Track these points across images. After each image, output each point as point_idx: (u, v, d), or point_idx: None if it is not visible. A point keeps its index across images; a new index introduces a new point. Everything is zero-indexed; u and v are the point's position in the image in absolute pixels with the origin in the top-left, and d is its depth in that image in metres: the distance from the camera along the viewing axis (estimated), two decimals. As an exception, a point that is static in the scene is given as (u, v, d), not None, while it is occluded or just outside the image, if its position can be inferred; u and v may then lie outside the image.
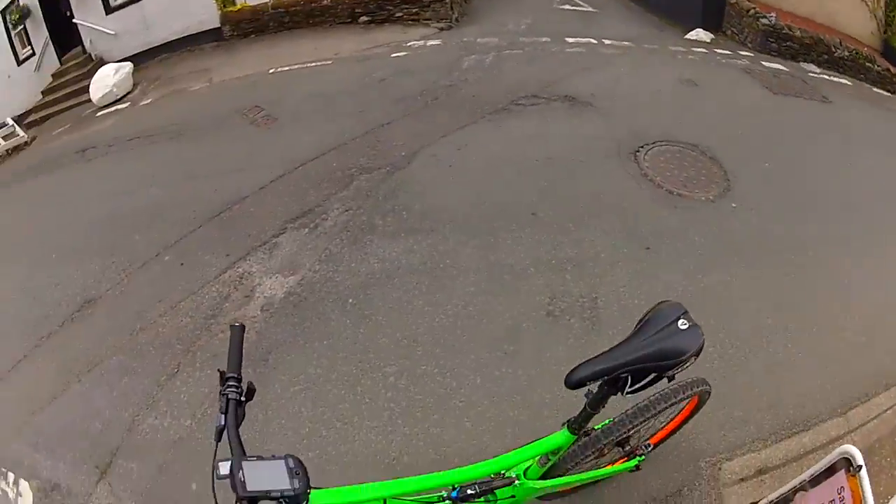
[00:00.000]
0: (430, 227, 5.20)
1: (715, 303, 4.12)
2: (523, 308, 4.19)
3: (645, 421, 2.33)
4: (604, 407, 1.98)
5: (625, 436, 2.40)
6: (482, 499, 2.07)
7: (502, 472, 2.13)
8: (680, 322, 1.77)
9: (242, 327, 2.03)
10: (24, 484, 4.71)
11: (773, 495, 2.59)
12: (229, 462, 1.54)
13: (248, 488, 1.47)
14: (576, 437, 2.10)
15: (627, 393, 1.86)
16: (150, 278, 5.98)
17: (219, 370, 1.89)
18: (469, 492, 1.98)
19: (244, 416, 1.79)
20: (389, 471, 3.26)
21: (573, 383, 1.84)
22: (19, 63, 16.12)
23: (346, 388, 4.01)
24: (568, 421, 2.10)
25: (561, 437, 2.10)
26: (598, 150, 5.85)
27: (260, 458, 1.58)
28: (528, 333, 4.02)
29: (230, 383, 1.82)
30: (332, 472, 3.39)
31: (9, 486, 4.82)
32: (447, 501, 1.99)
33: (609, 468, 2.65)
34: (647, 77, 7.90)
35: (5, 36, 15.73)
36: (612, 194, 5.22)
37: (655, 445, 2.76)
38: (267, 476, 1.52)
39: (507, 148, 6.19)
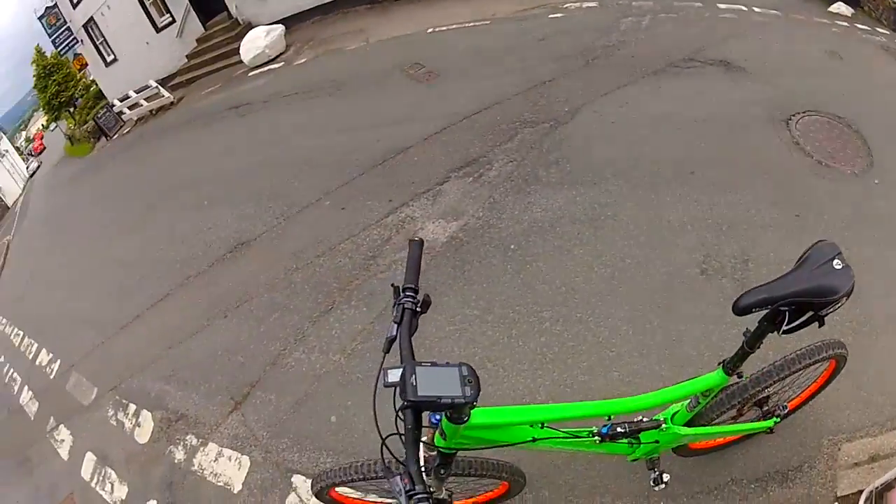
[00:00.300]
0: (592, 180, 5.41)
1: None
2: (678, 264, 4.35)
3: (789, 375, 2.46)
4: (759, 347, 2.08)
5: (767, 392, 2.57)
6: (626, 440, 2.23)
7: (654, 409, 2.26)
8: (835, 262, 1.90)
9: (421, 242, 2.12)
10: (145, 415, 5.06)
11: (880, 481, 2.70)
12: (400, 369, 1.60)
13: (420, 392, 1.53)
14: (729, 378, 2.21)
15: (783, 332, 1.97)
16: (308, 222, 6.42)
17: (393, 284, 1.97)
18: (618, 430, 2.15)
19: (417, 327, 1.88)
20: None
21: (741, 309, 1.94)
22: (158, 30, 18.05)
23: (501, 330, 4.20)
24: (723, 361, 2.19)
25: (715, 377, 2.21)
26: (752, 115, 6.03)
27: (434, 363, 1.61)
28: (680, 289, 4.16)
29: (407, 294, 1.92)
30: None
31: (127, 416, 5.17)
32: (596, 437, 2.14)
33: (745, 425, 2.74)
34: (795, 46, 8.14)
35: (140, 6, 17.75)
36: (765, 159, 5.38)
37: (792, 410, 2.89)
38: (439, 382, 1.57)
39: (666, 108, 6.40)
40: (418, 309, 1.91)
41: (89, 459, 5.18)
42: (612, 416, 2.18)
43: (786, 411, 2.75)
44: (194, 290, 6.27)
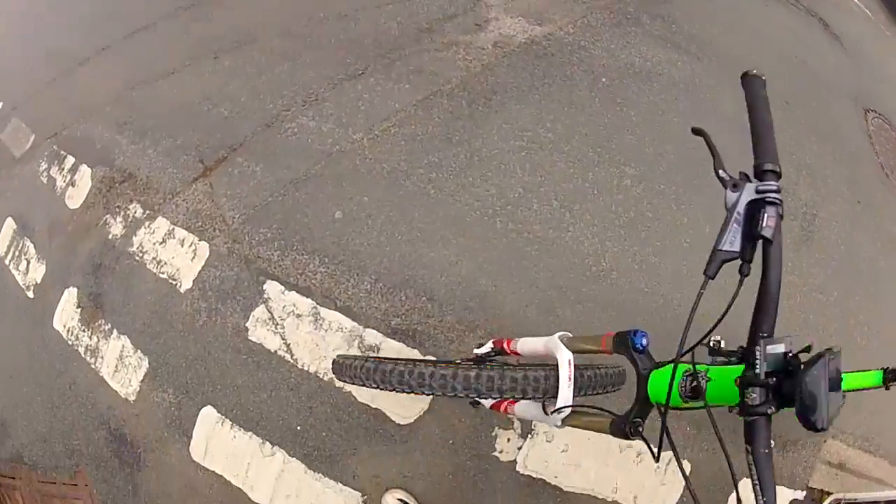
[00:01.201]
0: (696, 52, 4.89)
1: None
2: None
3: None
4: None
5: None
6: None
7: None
8: None
9: (763, 83, 1.63)
10: (83, 171, 4.13)
11: (852, 496, 3.16)
12: (780, 343, 1.26)
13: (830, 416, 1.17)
14: (882, 384, 2.25)
15: None
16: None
17: (697, 130, 1.59)
18: None
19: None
20: (595, 281, 3.24)
21: None
22: None
23: (577, 169, 3.64)
24: (885, 369, 2.25)
25: (875, 378, 2.29)
26: (841, 85, 5.76)
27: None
28: None
29: (769, 182, 1.40)
30: (528, 260, 3.26)
31: (62, 172, 4.26)
32: None
33: None
34: (881, 53, 7.87)
35: None
36: (845, 132, 5.19)
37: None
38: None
39: (771, 30, 5.92)
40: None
41: (8, 227, 4.40)
42: None
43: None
44: (183, 23, 5.16)
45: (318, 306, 3.00)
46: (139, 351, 3.22)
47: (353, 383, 1.94)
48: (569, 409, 1.68)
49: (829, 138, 4.83)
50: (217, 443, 2.99)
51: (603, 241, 3.38)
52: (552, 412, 1.70)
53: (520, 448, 2.91)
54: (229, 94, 4.05)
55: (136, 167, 3.84)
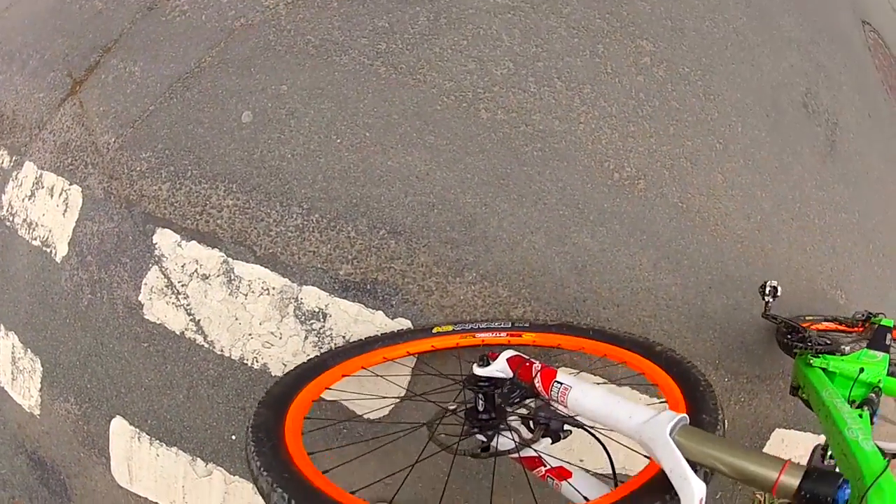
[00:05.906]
0: None
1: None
2: (784, 81, 3.74)
3: None
4: None
5: None
6: None
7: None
8: None
9: None
10: None
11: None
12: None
13: None
14: None
15: None
16: None
17: None
18: None
19: None
20: (619, 193, 2.70)
21: None
22: None
23: (584, 39, 2.90)
24: None
25: None
26: None
27: None
28: (787, 110, 3.64)
29: None
30: (529, 164, 2.62)
31: None
32: None
33: None
34: None
35: None
36: (853, 41, 4.85)
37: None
38: None
39: None
40: None
41: None
42: None
43: None
44: None
45: (229, 259, 2.12)
46: (29, 350, 2.46)
47: None
48: None
49: (837, 41, 4.40)
50: (139, 464, 2.28)
51: (625, 138, 2.73)
52: None
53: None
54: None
55: (3, 102, 2.94)
